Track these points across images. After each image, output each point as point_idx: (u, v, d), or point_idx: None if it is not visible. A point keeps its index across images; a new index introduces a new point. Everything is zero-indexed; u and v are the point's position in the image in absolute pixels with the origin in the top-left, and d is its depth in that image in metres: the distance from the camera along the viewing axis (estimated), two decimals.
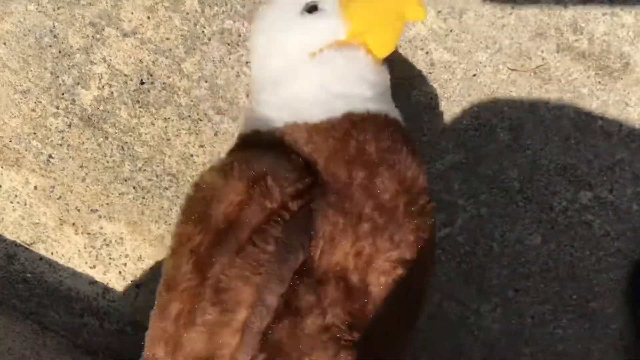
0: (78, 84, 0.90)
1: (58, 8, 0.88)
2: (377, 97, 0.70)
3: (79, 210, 0.93)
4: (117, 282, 0.94)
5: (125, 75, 0.89)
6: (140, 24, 0.87)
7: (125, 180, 0.92)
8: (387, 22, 0.71)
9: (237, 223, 0.61)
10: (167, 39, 0.88)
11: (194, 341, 0.61)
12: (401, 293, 0.65)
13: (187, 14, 0.87)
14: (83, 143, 0.91)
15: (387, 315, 0.65)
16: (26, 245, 0.94)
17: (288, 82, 0.70)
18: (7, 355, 0.86)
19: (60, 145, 0.91)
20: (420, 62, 0.88)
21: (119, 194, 0.92)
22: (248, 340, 0.60)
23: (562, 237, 0.92)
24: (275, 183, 0.62)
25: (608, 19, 0.86)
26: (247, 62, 0.88)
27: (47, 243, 0.94)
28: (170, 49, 0.88)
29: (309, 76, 0.69)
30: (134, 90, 0.89)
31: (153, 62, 0.89)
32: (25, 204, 0.93)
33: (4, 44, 0.89)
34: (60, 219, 0.93)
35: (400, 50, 0.87)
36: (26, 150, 0.91)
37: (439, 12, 0.86)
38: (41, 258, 0.94)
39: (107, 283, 0.95)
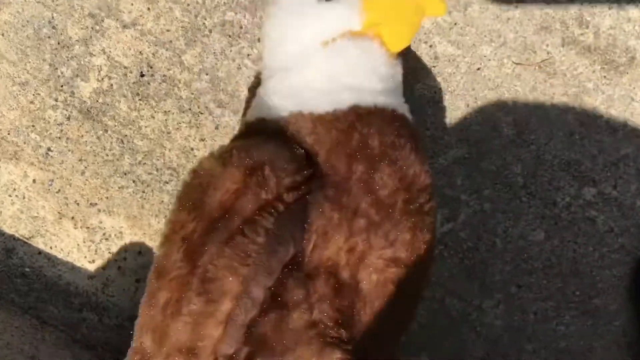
0: (77, 76, 0.88)
1: None
2: (387, 91, 0.69)
3: (78, 204, 0.92)
4: (117, 277, 0.93)
5: (125, 68, 0.88)
6: (140, 15, 0.86)
7: (125, 174, 0.90)
8: (405, 15, 0.69)
9: (231, 212, 0.60)
10: (168, 30, 0.86)
11: (179, 331, 0.60)
12: (394, 292, 0.64)
13: (188, 5, 0.86)
14: (82, 136, 0.90)
15: (378, 315, 0.64)
16: (25, 239, 0.93)
17: (297, 70, 0.68)
18: (5, 350, 0.85)
19: (59, 138, 0.90)
20: (424, 55, 0.86)
21: (119, 187, 0.91)
22: (231, 333, 0.59)
23: (566, 233, 0.91)
24: (273, 173, 0.61)
25: (614, 12, 0.84)
26: (248, 55, 0.86)
27: (46, 237, 0.93)
28: (171, 41, 0.87)
29: (318, 65, 0.67)
30: (134, 82, 0.88)
31: (153, 54, 0.87)
32: (24, 198, 0.92)
33: (2, 35, 0.88)
34: (59, 212, 0.92)
35: None
36: (25, 143, 0.90)
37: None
38: (40, 252, 0.93)
39: (107, 278, 0.94)
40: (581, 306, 0.93)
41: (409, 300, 0.68)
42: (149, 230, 0.92)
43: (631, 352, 0.94)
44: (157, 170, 0.90)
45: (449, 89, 0.87)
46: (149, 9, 0.86)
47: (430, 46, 0.86)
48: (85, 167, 0.90)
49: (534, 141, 0.88)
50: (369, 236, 0.62)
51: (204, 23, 0.86)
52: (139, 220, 0.92)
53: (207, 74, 0.87)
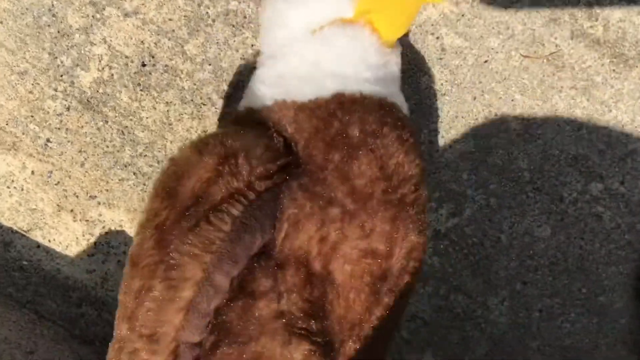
0: (77, 65, 0.86)
1: None
2: (376, 79, 0.66)
3: (77, 197, 0.90)
4: (116, 271, 0.92)
5: (126, 57, 0.85)
6: (142, 4, 0.83)
7: (126, 166, 0.89)
8: (399, 2, 0.67)
9: (201, 200, 0.59)
10: (170, 19, 0.84)
11: (144, 318, 0.58)
12: (373, 285, 0.62)
13: None
14: (82, 127, 0.88)
15: (355, 308, 0.61)
16: (23, 232, 0.91)
17: (285, 58, 0.67)
18: (3, 344, 0.84)
19: (59, 129, 0.88)
20: (430, 47, 0.84)
21: (119, 180, 0.89)
22: (193, 320, 0.57)
23: (572, 229, 0.89)
24: (246, 162, 0.59)
25: (624, 5, 0.82)
26: (252, 45, 0.84)
27: (45, 230, 0.91)
28: (173, 30, 0.84)
29: (304, 53, 0.66)
30: (135, 72, 0.86)
31: (155, 43, 0.85)
32: (22, 190, 0.90)
33: (1, 22, 0.85)
34: (58, 205, 0.90)
35: (410, 35, 0.84)
36: (23, 133, 0.88)
37: None
38: (38, 245, 0.92)
39: (106, 272, 0.92)
40: (587, 303, 0.91)
41: (395, 295, 0.65)
42: None
43: (637, 350, 0.93)
44: (158, 162, 0.88)
45: (456, 82, 0.85)
46: None
47: (437, 38, 0.83)
48: (85, 159, 0.89)
49: (541, 135, 0.86)
50: (343, 226, 0.60)
51: (207, 12, 0.83)
52: (139, 214, 0.90)
53: (210, 65, 0.85)
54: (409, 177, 0.64)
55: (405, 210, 0.63)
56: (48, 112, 0.87)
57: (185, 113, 0.87)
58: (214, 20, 0.84)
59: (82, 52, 0.85)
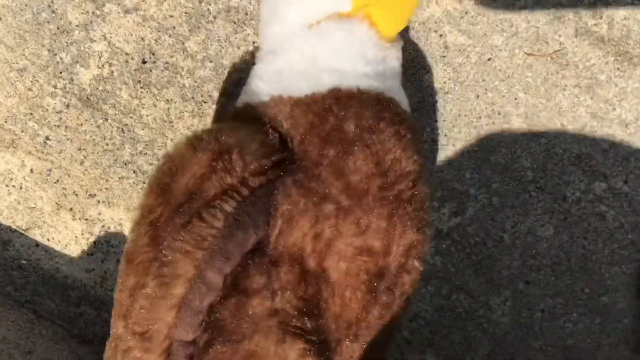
0: (77, 62, 0.85)
1: None
2: (374, 74, 0.65)
3: (76, 195, 0.88)
4: (116, 270, 0.90)
5: (127, 54, 0.84)
6: (143, 0, 0.82)
7: (126, 164, 0.87)
8: None
9: (195, 196, 0.58)
10: (171, 16, 0.83)
11: (136, 315, 0.58)
12: (370, 284, 0.60)
13: None
14: (81, 124, 0.86)
15: (352, 306, 0.60)
16: (21, 231, 0.90)
17: (284, 53, 0.65)
18: (1, 344, 0.83)
19: (58, 126, 0.86)
20: (433, 44, 0.83)
21: (119, 178, 0.88)
22: (186, 318, 0.56)
23: (575, 228, 0.88)
24: (240, 158, 0.58)
25: (629, 3, 0.81)
26: (254, 42, 0.83)
27: (43, 229, 0.90)
28: (174, 27, 0.83)
29: (301, 48, 0.64)
30: (135, 69, 0.84)
31: (155, 40, 0.83)
32: (21, 188, 0.89)
33: (0, 19, 0.84)
34: (57, 203, 0.89)
35: (413, 33, 0.82)
36: (22, 131, 0.87)
37: None
38: (37, 244, 0.91)
39: (105, 271, 0.91)
40: (589, 303, 0.90)
41: (394, 293, 0.64)
42: None
43: (639, 350, 0.92)
44: (158, 160, 0.86)
45: (459, 80, 0.84)
46: None
47: (440, 35, 0.82)
48: (85, 157, 0.87)
49: (544, 134, 0.85)
50: (338, 222, 0.58)
51: (208, 9, 0.82)
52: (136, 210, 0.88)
53: (211, 62, 0.84)
54: (406, 173, 0.62)
55: (402, 207, 0.61)
56: (47, 110, 0.86)
57: (186, 111, 0.85)
58: (215, 17, 0.82)
59: (82, 48, 0.84)
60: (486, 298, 0.90)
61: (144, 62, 0.84)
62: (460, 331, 0.91)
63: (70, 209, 0.89)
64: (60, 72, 0.85)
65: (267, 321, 0.57)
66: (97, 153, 0.87)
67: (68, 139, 0.87)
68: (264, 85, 0.65)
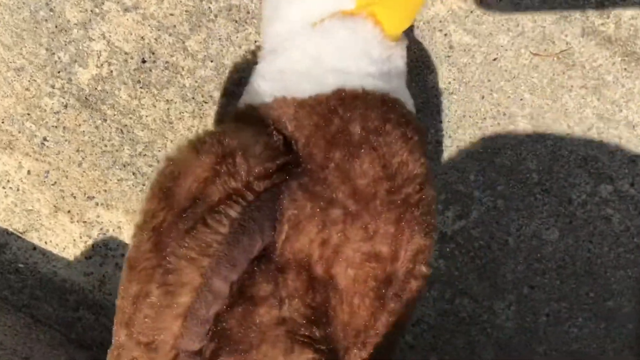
0: (75, 61, 0.82)
1: None
2: (379, 74, 0.62)
3: (74, 197, 0.86)
4: (114, 274, 0.88)
5: (126, 53, 0.82)
6: None
7: (125, 166, 0.85)
8: None
9: (199, 201, 0.56)
10: (171, 14, 0.80)
11: (141, 325, 0.56)
12: (378, 290, 0.58)
13: None
14: (80, 125, 0.84)
15: (359, 314, 0.58)
16: (18, 234, 0.88)
17: (286, 52, 0.63)
18: None
19: (56, 127, 0.84)
20: (438, 44, 0.80)
21: (118, 180, 0.85)
22: (192, 327, 0.54)
23: (581, 232, 0.85)
24: (244, 161, 0.56)
25: (636, 2, 0.78)
26: (255, 41, 0.80)
27: (41, 231, 0.88)
28: (174, 26, 0.80)
29: (304, 47, 0.62)
30: (135, 69, 0.82)
31: (155, 39, 0.81)
32: (18, 190, 0.86)
33: None
34: (54, 206, 0.86)
35: (418, 32, 0.79)
36: (19, 132, 0.84)
37: None
38: (34, 247, 0.88)
39: (104, 275, 0.88)
40: (594, 308, 0.87)
41: (402, 300, 0.61)
42: None
43: None
44: (158, 162, 0.85)
45: (464, 80, 0.81)
46: None
47: (445, 35, 0.79)
48: (83, 158, 0.85)
49: (550, 136, 0.82)
50: (345, 227, 0.56)
51: (209, 7, 0.80)
52: (138, 215, 0.84)
53: (212, 61, 0.81)
54: (414, 176, 0.60)
55: (410, 211, 0.59)
56: (45, 110, 0.84)
57: (186, 111, 0.83)
58: (216, 16, 0.80)
59: (81, 48, 0.82)
60: (490, 302, 0.87)
61: (144, 61, 0.82)
62: (463, 336, 0.89)
63: (68, 212, 0.87)
64: (58, 72, 0.83)
65: (274, 330, 0.54)
66: (96, 154, 0.85)
67: (66, 140, 0.84)
68: (267, 85, 0.63)
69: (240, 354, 0.54)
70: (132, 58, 0.81)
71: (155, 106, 0.83)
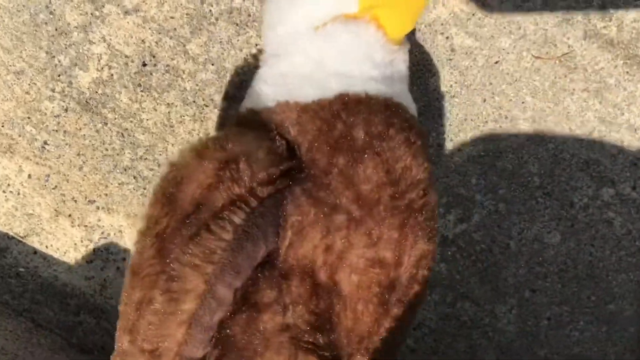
0: (75, 65, 0.81)
1: None
2: (382, 78, 0.61)
3: (75, 201, 0.84)
4: (115, 278, 0.87)
5: (126, 57, 0.80)
6: (143, 1, 0.78)
7: (125, 170, 0.83)
8: None
9: (202, 207, 0.55)
10: (172, 17, 0.79)
11: (145, 332, 0.55)
12: (381, 296, 0.57)
13: None
14: (80, 129, 0.82)
15: (363, 320, 0.57)
16: (19, 238, 0.87)
17: (288, 56, 0.61)
18: None
19: (56, 131, 0.83)
20: (439, 47, 0.78)
21: (119, 184, 0.84)
22: (196, 334, 0.53)
23: (582, 235, 0.84)
24: (248, 167, 0.55)
25: (639, 5, 0.76)
26: (256, 44, 0.79)
27: (42, 236, 0.86)
28: (175, 29, 0.79)
29: (307, 51, 0.60)
30: (136, 72, 0.80)
31: (156, 42, 0.79)
32: (19, 194, 0.85)
33: None
34: (55, 210, 0.85)
35: (419, 35, 0.78)
36: (20, 136, 0.83)
37: None
38: (35, 251, 0.87)
39: (105, 279, 0.87)
40: (596, 311, 0.86)
41: (405, 305, 0.60)
42: None
43: None
44: (159, 165, 0.83)
45: (465, 83, 0.79)
46: None
47: (447, 38, 0.77)
48: (84, 162, 0.83)
49: (552, 139, 0.81)
50: (349, 233, 0.55)
51: (210, 10, 0.78)
52: (139, 219, 0.85)
53: (212, 65, 0.80)
54: (417, 181, 0.59)
55: (413, 217, 0.58)
56: (45, 114, 0.83)
57: (187, 115, 0.81)
58: (217, 19, 0.78)
59: (81, 51, 0.80)
60: (492, 306, 0.86)
61: (144, 64, 0.80)
62: (465, 339, 0.87)
63: (69, 216, 0.85)
64: (59, 75, 0.81)
65: (278, 337, 0.53)
66: (97, 158, 0.83)
67: (67, 144, 0.83)
68: (269, 89, 0.62)
69: None
70: (132, 61, 0.80)
71: (156, 110, 0.81)
